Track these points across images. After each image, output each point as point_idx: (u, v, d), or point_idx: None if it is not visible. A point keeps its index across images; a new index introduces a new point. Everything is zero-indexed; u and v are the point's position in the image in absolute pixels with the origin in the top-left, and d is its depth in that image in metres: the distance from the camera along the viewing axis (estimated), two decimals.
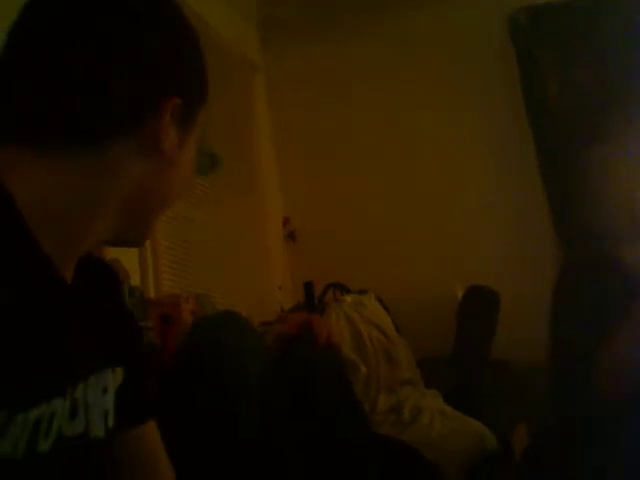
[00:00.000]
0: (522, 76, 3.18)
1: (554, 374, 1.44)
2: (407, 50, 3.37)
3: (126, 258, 2.05)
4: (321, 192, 3.39)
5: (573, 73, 3.09)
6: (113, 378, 0.77)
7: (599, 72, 3.03)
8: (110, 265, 0.87)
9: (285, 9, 3.47)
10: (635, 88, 2.91)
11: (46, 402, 0.61)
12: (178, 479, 0.85)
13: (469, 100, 3.26)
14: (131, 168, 0.71)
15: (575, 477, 1.27)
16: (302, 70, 3.52)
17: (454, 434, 2.15)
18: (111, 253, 1.76)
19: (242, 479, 1.07)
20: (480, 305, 2.74)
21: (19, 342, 0.59)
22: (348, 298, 2.69)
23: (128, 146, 0.70)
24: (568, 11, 3.12)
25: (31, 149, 0.66)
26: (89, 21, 0.70)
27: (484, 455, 2.12)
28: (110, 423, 0.74)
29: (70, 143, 0.68)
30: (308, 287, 2.78)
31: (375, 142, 3.37)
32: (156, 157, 0.72)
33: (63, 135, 0.67)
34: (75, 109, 0.68)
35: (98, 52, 0.69)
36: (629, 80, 2.95)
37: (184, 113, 0.74)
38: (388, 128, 3.37)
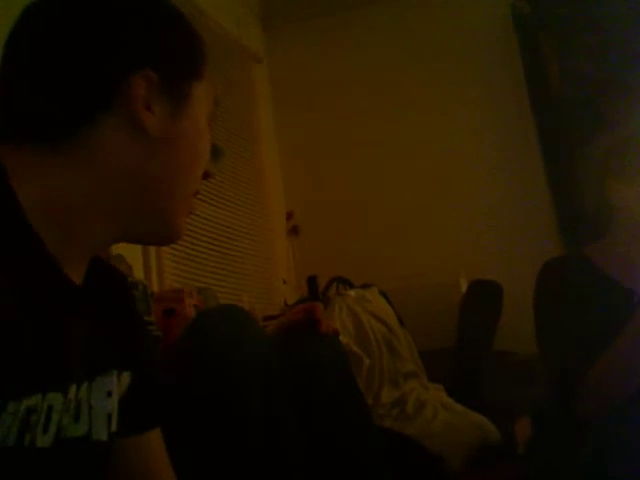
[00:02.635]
0: (525, 64, 3.18)
1: (547, 369, 1.45)
2: (410, 38, 3.36)
3: (129, 252, 2.04)
4: (324, 186, 3.39)
5: (576, 60, 3.08)
6: (119, 382, 0.76)
7: (602, 60, 3.02)
8: (122, 272, 0.86)
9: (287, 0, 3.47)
10: (638, 76, 2.89)
11: (39, 394, 0.61)
12: (181, 478, 0.84)
13: (471, 87, 3.25)
14: (124, 155, 0.67)
15: (575, 476, 1.28)
16: (304, 62, 3.51)
17: (457, 427, 2.16)
18: (115, 248, 1.75)
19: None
20: (484, 298, 2.74)
21: (10, 334, 0.58)
22: (352, 292, 2.68)
23: (112, 132, 0.66)
24: None
25: (18, 148, 0.66)
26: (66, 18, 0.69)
27: (487, 447, 2.12)
28: (113, 427, 0.73)
29: (45, 140, 0.66)
30: (312, 281, 2.78)
31: (378, 134, 3.36)
32: (146, 139, 0.68)
33: (36, 132, 0.66)
34: (39, 105, 0.67)
35: (56, 38, 0.67)
36: (632, 68, 2.94)
37: (168, 86, 0.69)
38: (391, 120, 3.36)
